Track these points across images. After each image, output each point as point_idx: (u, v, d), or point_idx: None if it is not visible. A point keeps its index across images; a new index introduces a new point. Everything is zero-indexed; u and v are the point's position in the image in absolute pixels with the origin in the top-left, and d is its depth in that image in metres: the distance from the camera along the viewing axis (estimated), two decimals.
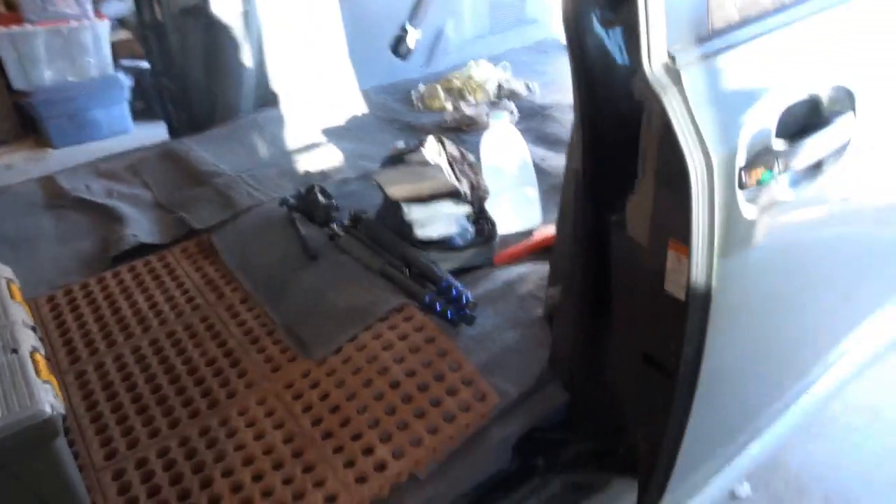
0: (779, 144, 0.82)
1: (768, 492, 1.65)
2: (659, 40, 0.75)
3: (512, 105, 2.34)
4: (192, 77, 2.42)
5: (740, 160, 0.79)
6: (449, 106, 2.45)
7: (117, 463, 1.16)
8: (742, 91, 0.82)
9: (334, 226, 1.63)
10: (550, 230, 1.64)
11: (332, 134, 2.32)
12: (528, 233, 1.68)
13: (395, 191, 1.53)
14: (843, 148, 0.91)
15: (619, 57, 1.03)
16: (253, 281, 1.57)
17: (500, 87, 2.56)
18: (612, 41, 1.02)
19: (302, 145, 2.23)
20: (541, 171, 1.81)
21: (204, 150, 2.16)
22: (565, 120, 2.28)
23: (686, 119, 0.75)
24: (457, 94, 2.52)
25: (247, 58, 2.38)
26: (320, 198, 1.76)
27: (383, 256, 1.51)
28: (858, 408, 1.82)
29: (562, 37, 3.06)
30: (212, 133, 2.29)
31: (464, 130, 2.26)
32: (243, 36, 2.36)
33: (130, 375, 1.34)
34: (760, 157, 0.80)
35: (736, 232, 0.81)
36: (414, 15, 2.65)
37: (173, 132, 2.51)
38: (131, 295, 1.57)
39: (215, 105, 2.44)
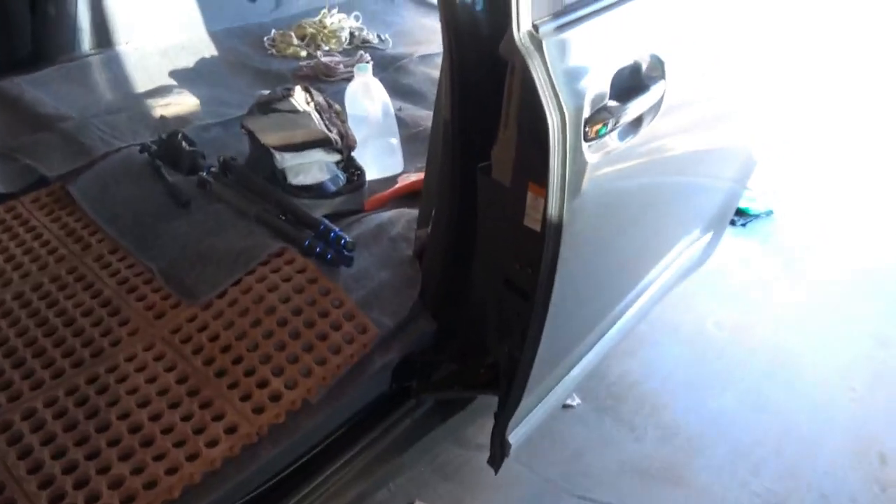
0: (611, 104, 1.02)
1: (593, 401, 1.97)
2: (526, 13, 0.89)
3: (367, 55, 2.41)
4: (11, 9, 2.22)
5: (584, 116, 0.98)
6: (303, 53, 2.47)
7: (1, 415, 1.16)
8: (586, 58, 1.00)
9: (203, 174, 1.65)
10: (412, 177, 1.78)
11: (182, 78, 2.25)
12: (392, 179, 1.80)
13: (268, 138, 1.58)
14: (657, 106, 1.13)
15: (483, 16, 1.18)
16: (119, 230, 1.55)
17: (352, 35, 2.61)
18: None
19: (151, 89, 2.15)
20: (398, 122, 1.93)
21: (40, 92, 2.02)
22: (418, 72, 2.41)
23: (546, 81, 0.91)
24: (310, 41, 2.53)
25: None
26: (184, 144, 1.75)
27: (258, 203, 1.56)
28: (661, 325, 2.20)
29: None
30: (45, 73, 2.13)
31: (320, 79, 2.30)
32: None
33: None
34: (598, 114, 0.99)
35: (581, 175, 1.00)
36: None
37: None
38: None
39: (43, 43, 2.26)
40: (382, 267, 1.48)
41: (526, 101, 0.98)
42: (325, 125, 1.65)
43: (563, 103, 0.92)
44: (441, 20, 1.15)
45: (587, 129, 0.97)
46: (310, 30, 2.56)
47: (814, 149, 3.09)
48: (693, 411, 1.97)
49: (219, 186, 1.61)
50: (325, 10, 2.70)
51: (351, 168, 1.69)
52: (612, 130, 1.01)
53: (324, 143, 1.60)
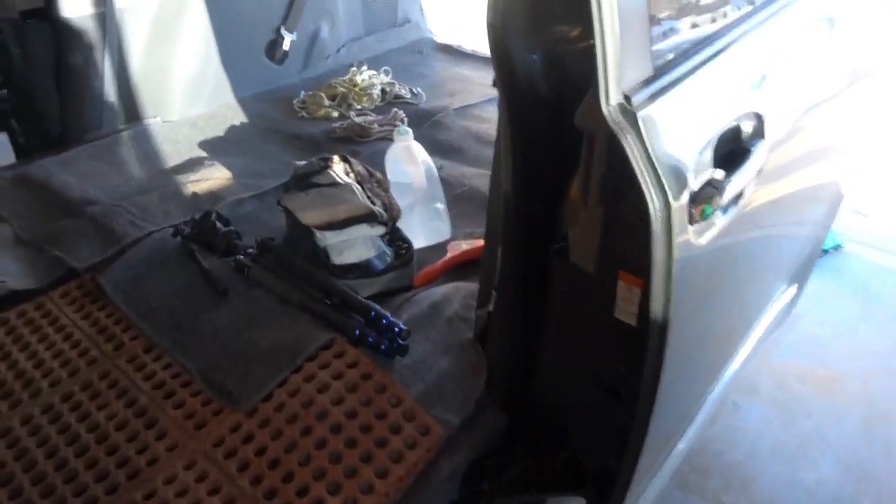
0: (716, 176, 0.87)
1: (676, 477, 1.78)
2: (615, 83, 0.76)
3: (401, 113, 2.31)
4: (40, 89, 2.16)
5: (689, 195, 0.83)
6: (335, 113, 2.38)
7: None
8: (685, 127, 0.86)
9: (241, 257, 1.53)
10: (462, 245, 1.65)
11: (213, 149, 2.17)
12: (441, 247, 1.67)
13: (309, 217, 1.46)
14: (759, 171, 0.98)
15: (545, 82, 1.05)
16: (154, 325, 1.43)
17: (384, 92, 2.51)
18: (538, 66, 1.04)
19: (181, 163, 2.06)
20: (441, 182, 1.80)
21: (68, 174, 1.94)
22: (456, 126, 2.29)
23: (645, 161, 0.77)
24: (341, 101, 2.44)
25: (106, 66, 2.16)
26: (218, 224, 1.64)
27: (300, 287, 1.43)
28: (740, 388, 2.00)
29: (437, 36, 3.08)
30: (73, 153, 2.06)
31: (355, 141, 2.20)
32: (99, 41, 2.14)
33: (26, 452, 1.19)
34: (704, 190, 0.84)
35: (687, 263, 0.85)
36: (287, 18, 2.54)
37: (21, 153, 2.22)
38: (9, 354, 1.39)
39: (71, 120, 2.20)
40: (441, 354, 1.33)
41: (614, 180, 0.84)
42: (369, 197, 1.53)
43: (665, 184, 0.78)
44: (497, 80, 1.03)
45: (693, 210, 0.82)
46: (340, 89, 2.47)
47: (879, 177, 2.89)
48: (786, 485, 1.77)
49: (258, 270, 1.49)
50: (354, 68, 2.62)
51: (397, 241, 1.56)
52: (719, 208, 0.86)
53: (368, 218, 1.47)
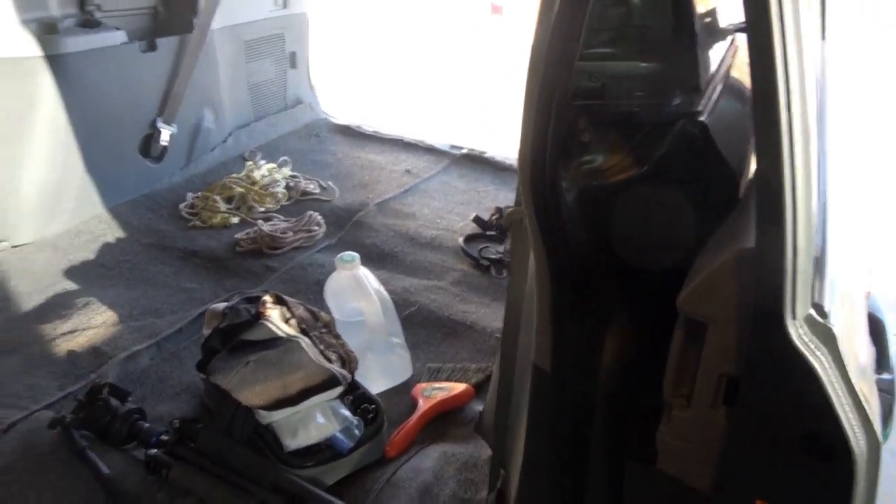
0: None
1: None
2: (806, 290, 0.53)
3: (316, 215, 1.99)
4: None
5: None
6: (234, 219, 2.02)
7: None
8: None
9: (154, 451, 1.14)
10: (431, 391, 1.36)
11: (85, 279, 1.73)
12: (401, 388, 1.38)
13: (253, 396, 1.11)
14: None
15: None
16: None
17: (288, 188, 2.19)
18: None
19: (44, 305, 1.61)
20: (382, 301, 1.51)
21: None
22: (380, 226, 2.02)
23: (844, 390, 0.54)
24: (240, 203, 2.09)
25: None
26: (112, 402, 1.23)
27: (248, 490, 1.07)
28: None
29: (332, 116, 2.78)
30: None
31: (266, 254, 1.85)
32: None
33: None
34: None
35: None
36: (164, 109, 2.17)
37: None
38: None
39: None
40: None
41: (782, 401, 0.61)
42: (322, 352, 1.21)
43: (869, 415, 0.56)
44: (531, 231, 0.80)
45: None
46: (237, 189, 2.12)
47: None
48: None
49: (181, 471, 1.11)
50: (248, 162, 2.27)
51: (362, 402, 1.24)
52: None
53: (329, 385, 1.15)
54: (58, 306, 1.59)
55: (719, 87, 0.99)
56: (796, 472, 0.61)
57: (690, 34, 0.91)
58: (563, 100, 0.74)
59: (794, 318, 0.54)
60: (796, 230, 0.52)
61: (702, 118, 0.88)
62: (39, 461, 1.16)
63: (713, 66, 1.04)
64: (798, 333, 0.54)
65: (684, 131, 0.88)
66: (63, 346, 1.45)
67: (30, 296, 1.63)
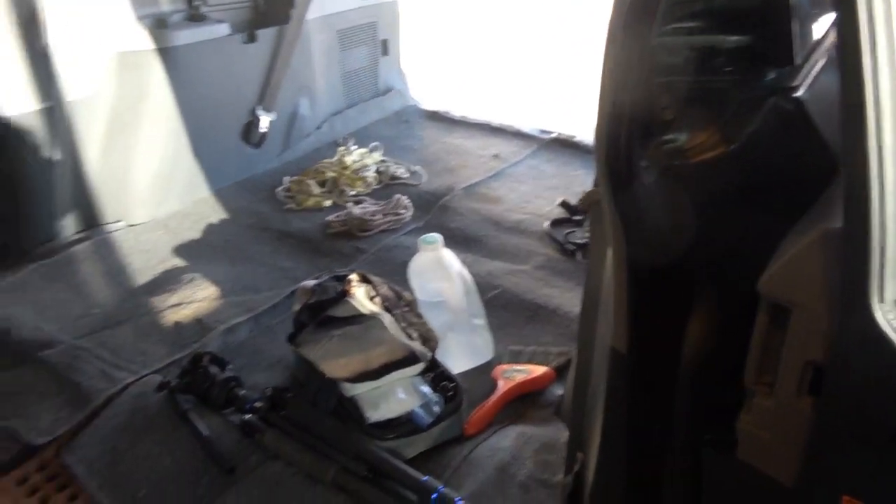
0: None
1: None
2: (894, 272, 0.50)
3: (404, 199, 2.04)
4: None
5: None
6: (327, 202, 2.09)
7: None
8: None
9: (249, 416, 1.22)
10: (512, 373, 1.37)
11: (191, 256, 1.86)
12: (483, 369, 1.39)
13: (336, 368, 1.17)
14: None
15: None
16: None
17: (378, 172, 2.25)
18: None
19: (155, 280, 1.74)
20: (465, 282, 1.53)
21: (16, 306, 1.60)
22: (466, 210, 2.04)
23: None
24: (332, 187, 2.16)
25: (56, 166, 1.84)
26: (212, 369, 1.33)
27: (331, 458, 1.13)
28: None
29: (421, 103, 2.79)
30: (20, 276, 1.72)
31: (356, 236, 1.91)
32: (48, 139, 1.82)
33: None
34: None
35: None
36: (264, 97, 2.27)
37: None
38: None
39: (16, 233, 1.86)
40: None
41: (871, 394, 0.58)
42: (403, 329, 1.24)
43: None
44: (607, 209, 0.79)
45: None
46: (329, 173, 2.20)
47: None
48: None
49: (273, 437, 1.18)
50: (341, 147, 2.35)
51: (442, 380, 1.27)
52: None
53: (409, 361, 1.19)
54: (166, 281, 1.72)
55: (822, 62, 0.94)
56: (887, 468, 0.58)
57: (785, 5, 0.87)
58: (643, 75, 0.73)
59: (881, 301, 0.51)
60: (884, 208, 0.49)
61: (797, 94, 0.84)
62: (147, 422, 1.27)
63: (816, 39, 0.98)
64: (886, 318, 0.51)
65: (777, 108, 0.84)
66: (170, 317, 1.56)
67: (142, 271, 1.76)
